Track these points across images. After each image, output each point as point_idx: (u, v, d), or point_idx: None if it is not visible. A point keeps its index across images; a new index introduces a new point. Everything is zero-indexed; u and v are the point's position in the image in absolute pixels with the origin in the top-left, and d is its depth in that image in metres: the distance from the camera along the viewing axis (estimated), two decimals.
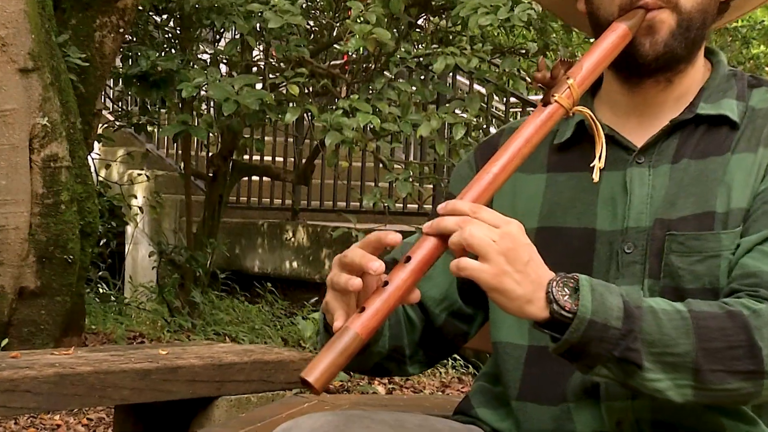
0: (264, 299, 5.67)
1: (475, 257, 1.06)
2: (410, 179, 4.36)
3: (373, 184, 5.65)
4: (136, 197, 5.97)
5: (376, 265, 1.04)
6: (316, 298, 6.00)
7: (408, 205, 6.11)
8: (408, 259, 1.06)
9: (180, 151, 6.05)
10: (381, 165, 4.79)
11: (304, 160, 5.67)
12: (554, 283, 1.08)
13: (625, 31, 1.18)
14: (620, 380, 1.10)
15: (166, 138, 6.64)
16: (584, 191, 1.24)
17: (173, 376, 2.63)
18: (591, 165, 1.17)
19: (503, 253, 1.04)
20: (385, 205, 4.50)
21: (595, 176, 1.15)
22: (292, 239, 5.98)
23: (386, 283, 1.04)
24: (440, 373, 4.35)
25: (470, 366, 4.41)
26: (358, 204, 5.99)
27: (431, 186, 5.81)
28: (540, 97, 1.28)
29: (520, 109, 6.50)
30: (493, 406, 1.30)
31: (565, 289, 1.08)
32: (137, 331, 4.79)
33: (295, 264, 5.95)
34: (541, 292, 1.07)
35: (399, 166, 5.70)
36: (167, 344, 3.43)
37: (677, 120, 1.23)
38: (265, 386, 2.80)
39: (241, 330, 4.84)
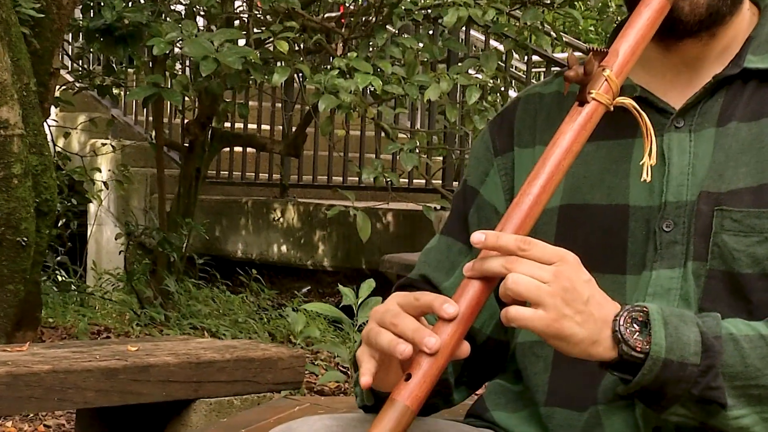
0: (248, 288, 5.68)
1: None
2: (417, 150, 4.35)
3: (373, 156, 5.66)
4: (99, 171, 5.98)
5: (432, 341, 1.05)
6: (308, 288, 6.02)
7: (414, 181, 6.11)
8: None
9: (150, 118, 6.04)
10: (383, 134, 4.78)
11: (294, 129, 5.67)
12: (621, 318, 1.09)
13: (661, 3, 1.18)
14: (699, 420, 1.12)
15: (134, 102, 6.63)
16: (614, 162, 1.23)
17: (144, 376, 2.64)
18: (641, 162, 1.15)
19: (559, 295, 1.06)
20: (388, 180, 4.50)
21: (646, 175, 1.15)
22: (281, 219, 5.99)
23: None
24: None
25: None
26: (357, 179, 5.99)
27: (441, 158, 5.81)
28: (566, 55, 1.27)
29: (544, 69, 6.48)
30: (512, 408, 1.30)
31: (634, 325, 1.09)
32: (102, 324, 4.80)
33: (284, 248, 5.96)
34: (606, 330, 1.08)
35: (404, 135, 5.69)
36: (137, 340, 3.43)
37: (721, 75, 1.22)
38: (250, 387, 2.81)
39: (223, 323, 4.86)
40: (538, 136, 1.30)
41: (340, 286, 3.99)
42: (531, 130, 1.31)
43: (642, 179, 1.15)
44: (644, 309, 1.10)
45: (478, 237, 1.08)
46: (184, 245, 5.24)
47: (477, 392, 1.39)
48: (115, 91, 5.73)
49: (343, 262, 5.74)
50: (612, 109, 1.15)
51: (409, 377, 1.05)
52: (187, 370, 2.71)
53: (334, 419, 1.18)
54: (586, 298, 1.07)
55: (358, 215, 4.29)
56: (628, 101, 1.15)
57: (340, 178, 6.22)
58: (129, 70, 5.50)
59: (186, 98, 5.34)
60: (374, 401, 1.19)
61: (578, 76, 1.13)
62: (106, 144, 6.19)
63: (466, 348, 1.08)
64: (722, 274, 1.18)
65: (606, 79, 1.13)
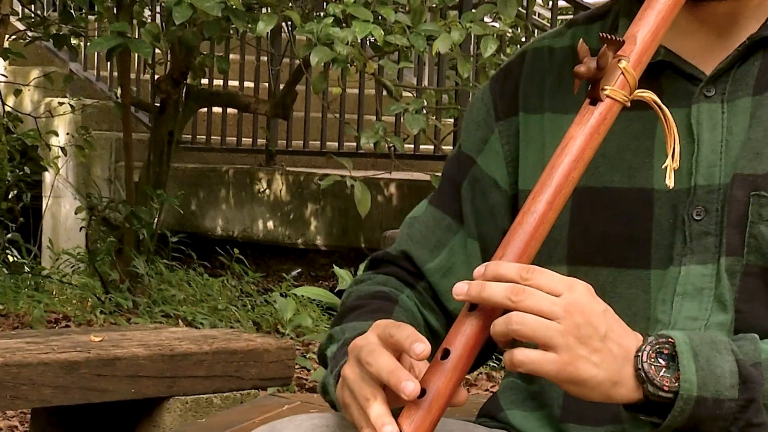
0: (229, 271, 5.70)
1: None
2: (424, 111, 4.36)
3: (374, 117, 5.65)
4: (56, 134, 5.98)
5: (411, 387, 1.04)
6: (299, 270, 6.04)
7: (421, 146, 6.11)
8: (446, 353, 1.07)
9: (115, 73, 6.04)
10: (385, 92, 4.78)
11: (281, 86, 5.67)
12: (644, 354, 1.09)
13: None
14: None
15: (96, 55, 6.62)
16: (636, 137, 1.23)
17: (109, 371, 2.66)
18: (663, 165, 1.14)
19: (571, 333, 1.05)
20: (391, 145, 4.50)
21: (669, 180, 1.13)
22: (267, 191, 6.00)
23: (423, 392, 1.06)
24: None
25: (501, 359, 4.45)
26: (354, 144, 6.00)
27: (451, 120, 5.81)
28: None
29: (572, 15, 6.46)
30: (530, 407, 1.31)
31: (659, 360, 1.09)
32: (60, 312, 4.82)
33: (270, 224, 5.97)
34: (628, 367, 1.08)
35: (409, 94, 5.69)
36: (101, 329, 3.45)
37: (758, 36, 1.22)
38: (232, 384, 2.83)
39: (200, 311, 4.88)
40: (548, 101, 1.29)
41: (336, 268, 4.00)
42: (539, 92, 1.30)
43: (668, 186, 1.13)
44: (670, 340, 1.10)
45: (479, 270, 1.07)
46: (155, 221, 5.26)
47: (494, 391, 1.40)
48: (73, 41, 5.71)
49: (339, 240, 5.76)
50: (629, 104, 1.13)
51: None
52: (159, 363, 2.73)
53: (325, 418, 1.19)
54: (603, 334, 1.07)
55: (355, 186, 4.30)
56: (647, 95, 1.14)
57: (335, 144, 6.22)
58: (90, 17, 5.49)
59: (157, 50, 5.33)
60: None
61: (590, 71, 1.11)
62: (63, 103, 6.18)
63: (462, 397, 1.07)
64: (760, 271, 1.18)
65: (622, 72, 1.12)
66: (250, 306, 5.13)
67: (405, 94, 5.08)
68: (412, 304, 1.31)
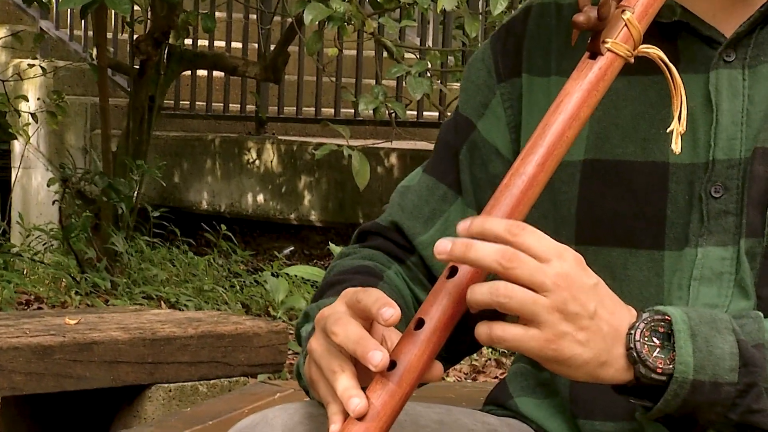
0: (216, 248, 5.71)
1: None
2: (428, 74, 4.35)
3: (373, 81, 5.65)
4: (26, 99, 5.98)
5: (378, 357, 1.04)
6: (292, 248, 6.05)
7: (424, 113, 6.11)
8: (420, 323, 1.06)
9: (91, 33, 6.03)
10: (385, 53, 4.78)
11: (272, 47, 5.66)
12: (637, 332, 1.08)
13: None
14: None
15: (69, 12, 6.61)
16: (651, 106, 1.22)
17: (86, 356, 2.67)
18: (669, 129, 1.13)
19: (557, 309, 1.04)
20: (391, 112, 4.50)
21: (676, 146, 1.13)
22: (257, 162, 6.00)
23: (393, 364, 1.05)
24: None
25: None
26: (352, 111, 5.99)
27: (458, 84, 5.80)
28: None
29: None
30: (541, 394, 1.32)
31: (654, 339, 1.08)
32: (32, 293, 4.83)
33: (260, 198, 5.98)
34: (619, 347, 1.08)
35: (411, 56, 5.68)
36: (77, 311, 3.46)
37: None
38: (219, 370, 2.84)
39: (184, 292, 4.89)
40: (555, 63, 1.28)
41: (331, 246, 4.02)
42: (545, 53, 1.29)
43: (674, 151, 1.13)
44: (666, 317, 1.09)
45: (463, 225, 1.06)
46: (135, 194, 5.26)
47: (500, 376, 1.41)
48: None
49: (335, 215, 5.77)
50: (632, 61, 1.12)
51: (362, 419, 1.04)
52: (140, 348, 2.74)
53: (321, 407, 1.20)
54: (592, 310, 1.06)
55: (353, 156, 4.30)
56: (653, 51, 1.13)
57: (331, 110, 6.22)
58: None
59: (136, 7, 5.32)
60: None
61: (590, 21, 1.10)
62: (33, 65, 6.17)
63: (437, 371, 1.07)
64: None
65: (626, 24, 1.11)
66: (238, 287, 5.14)
67: (407, 55, 5.07)
68: (399, 281, 1.31)
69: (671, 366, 1.08)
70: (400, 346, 1.05)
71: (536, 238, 1.05)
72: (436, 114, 5.86)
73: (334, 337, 1.07)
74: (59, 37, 6.69)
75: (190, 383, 2.79)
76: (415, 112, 5.99)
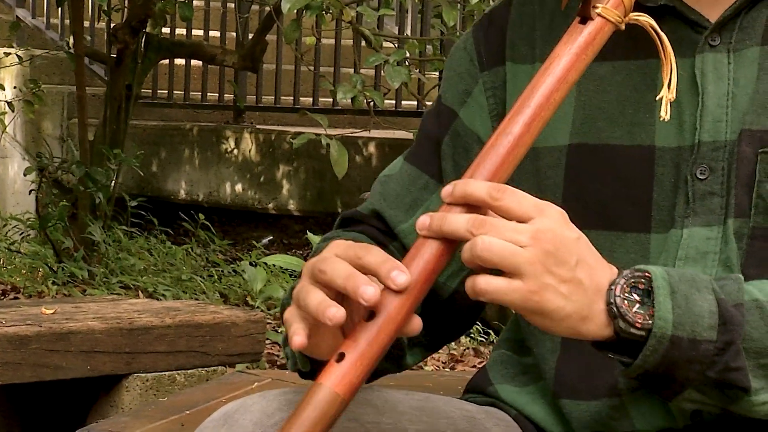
0: (194, 238, 5.70)
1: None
2: (406, 63, 4.35)
3: (351, 70, 5.64)
4: (2, 88, 5.95)
5: (370, 292, 1.04)
6: (270, 237, 6.04)
7: (403, 102, 6.10)
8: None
9: (67, 21, 6.00)
10: (363, 42, 4.77)
11: (250, 35, 5.64)
12: (617, 287, 1.09)
13: None
14: (720, 406, 1.13)
15: (46, 1, 6.57)
16: (637, 90, 1.23)
17: (63, 346, 2.66)
18: (659, 96, 1.14)
19: (539, 261, 1.05)
20: (370, 101, 4.50)
21: (665, 113, 1.13)
22: (235, 151, 5.99)
23: (372, 315, 1.05)
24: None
25: (491, 333, 4.48)
26: (330, 100, 5.98)
27: (436, 73, 5.81)
28: None
29: None
30: (521, 381, 1.33)
31: (634, 294, 1.09)
32: (8, 282, 4.82)
33: (239, 187, 5.97)
34: (600, 302, 1.08)
35: (390, 44, 5.67)
36: (53, 301, 3.45)
37: None
38: (197, 360, 2.84)
39: (162, 281, 4.88)
40: (539, 50, 1.29)
41: (310, 235, 4.01)
42: (529, 40, 1.30)
43: (661, 118, 1.14)
44: (647, 274, 1.10)
45: (446, 189, 1.07)
46: (112, 183, 5.24)
47: (478, 365, 1.41)
48: None
49: (314, 204, 5.76)
50: (623, 27, 1.13)
51: (341, 357, 1.04)
52: (117, 337, 2.73)
53: (298, 393, 1.19)
54: (574, 263, 1.06)
55: (332, 145, 4.30)
56: (643, 18, 1.14)
57: (310, 99, 6.21)
58: None
59: None
60: (311, 367, 1.20)
61: None
62: (9, 54, 6.15)
63: (415, 325, 1.07)
64: (767, 233, 1.19)
65: None
66: (216, 276, 5.14)
67: (385, 44, 5.06)
68: None
69: (650, 321, 1.09)
70: (380, 298, 1.05)
71: (517, 199, 1.06)
72: (415, 103, 5.86)
73: (322, 275, 1.07)
74: (36, 26, 6.66)
75: (167, 373, 2.79)
76: (393, 101, 5.99)
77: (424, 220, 1.07)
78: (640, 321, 1.08)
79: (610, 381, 1.22)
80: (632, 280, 1.09)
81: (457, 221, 1.05)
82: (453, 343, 4.44)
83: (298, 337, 1.06)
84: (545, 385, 1.29)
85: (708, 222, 1.20)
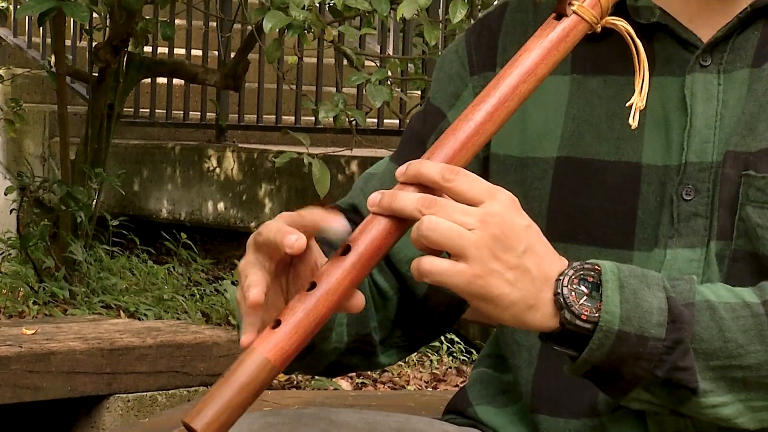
0: (176, 257, 5.68)
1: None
2: (388, 82, 4.36)
3: (333, 89, 5.65)
4: None
5: (293, 239, 1.03)
6: None
7: (385, 120, 6.11)
8: (347, 249, 1.06)
9: (49, 40, 5.99)
10: (345, 61, 4.78)
11: (232, 55, 5.64)
12: (565, 278, 1.08)
13: None
14: (669, 407, 1.12)
15: (27, 20, 6.57)
16: (626, 106, 1.22)
17: (43, 367, 2.65)
18: (629, 102, 1.14)
19: (486, 245, 1.04)
20: (352, 119, 4.50)
21: (633, 120, 1.13)
22: (217, 170, 5.99)
23: (313, 285, 1.05)
24: (430, 361, 4.42)
25: (474, 351, 4.48)
26: (312, 119, 5.99)
27: (418, 92, 5.82)
28: None
29: None
30: (501, 402, 1.32)
31: (582, 287, 1.08)
32: None
33: (221, 206, 5.96)
34: (547, 291, 1.08)
35: (372, 63, 5.68)
36: (34, 321, 3.44)
37: (760, 4, 1.22)
38: (178, 380, 2.83)
39: (143, 301, 4.87)
40: None
41: None
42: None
43: (631, 126, 1.13)
44: (596, 267, 1.09)
45: (400, 169, 1.07)
46: (94, 202, 5.23)
47: (460, 384, 1.41)
48: (1, 4, 5.66)
49: None
50: (599, 30, 1.13)
51: (277, 324, 1.04)
52: (98, 358, 2.72)
53: (280, 416, 1.19)
54: (521, 250, 1.06)
55: (314, 164, 4.30)
56: (620, 24, 1.14)
57: (292, 118, 6.21)
58: None
59: (94, 14, 5.29)
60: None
61: None
62: None
63: (358, 301, 1.06)
64: (747, 256, 1.18)
65: None
66: (198, 295, 5.13)
67: (367, 63, 5.07)
68: None
69: (597, 315, 1.08)
70: (323, 270, 1.05)
71: (469, 182, 1.06)
72: (397, 122, 5.87)
73: (258, 237, 1.07)
74: (17, 45, 6.65)
75: (148, 393, 2.78)
76: (375, 120, 6.00)
77: (374, 197, 1.06)
78: (586, 313, 1.07)
79: (589, 399, 1.22)
80: (581, 273, 1.09)
81: (406, 199, 1.05)
82: (435, 362, 4.44)
83: (255, 290, 1.05)
84: (524, 405, 1.29)
85: (692, 243, 1.20)
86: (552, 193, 1.25)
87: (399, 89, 4.89)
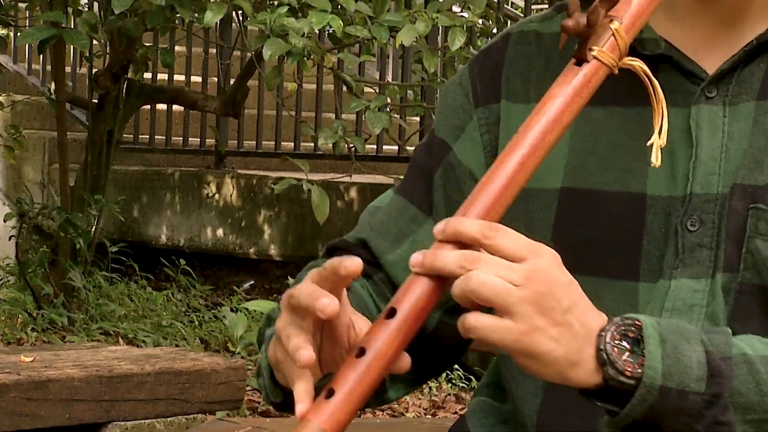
0: (175, 283, 5.68)
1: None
2: (387, 108, 4.36)
3: (332, 116, 5.66)
4: None
5: (326, 302, 1.03)
6: (251, 282, 6.02)
7: (384, 147, 6.11)
8: (392, 312, 1.06)
9: (49, 67, 6.00)
10: (344, 88, 4.79)
11: (232, 81, 5.66)
12: (608, 334, 1.08)
13: None
14: None
15: (27, 47, 6.58)
16: (631, 137, 1.23)
17: (41, 394, 2.64)
18: (649, 142, 1.14)
19: (532, 302, 1.04)
20: (351, 146, 4.51)
21: (656, 160, 1.14)
22: (216, 196, 5.99)
23: (362, 351, 1.05)
24: (429, 388, 4.41)
25: (473, 378, 4.47)
26: (312, 145, 5.99)
27: (417, 118, 5.83)
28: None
29: (547, 5, 6.51)
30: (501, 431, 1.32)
31: (624, 343, 1.09)
32: None
33: (220, 232, 5.96)
34: (589, 348, 1.08)
35: (371, 90, 5.69)
36: (32, 348, 3.43)
37: (766, 37, 1.22)
38: (177, 407, 2.82)
39: (142, 327, 4.86)
40: (534, 91, 1.29)
41: (291, 280, 4.00)
42: (524, 80, 1.30)
43: (652, 164, 1.14)
44: (637, 323, 1.09)
45: (438, 226, 1.06)
46: (93, 229, 5.23)
47: (459, 412, 1.40)
48: (1, 31, 5.67)
49: (295, 249, 5.75)
50: (617, 72, 1.14)
51: (331, 393, 1.04)
52: (97, 385, 2.72)
53: None
54: (565, 307, 1.06)
55: (313, 190, 4.30)
56: (637, 64, 1.15)
57: (291, 144, 6.22)
58: (20, 4, 5.46)
59: (94, 42, 5.31)
60: (282, 398, 1.19)
61: (579, 27, 1.11)
62: None
63: (405, 362, 1.06)
64: (755, 289, 1.19)
65: (613, 34, 1.12)
66: (197, 322, 5.12)
67: (366, 90, 5.08)
68: (365, 293, 1.30)
69: (640, 371, 1.08)
70: (370, 334, 1.05)
71: (510, 239, 1.06)
72: (396, 148, 5.87)
73: (292, 300, 1.06)
74: (17, 71, 6.67)
75: (147, 421, 2.77)
76: (374, 146, 6.00)
77: (416, 257, 1.06)
78: (630, 369, 1.08)
79: (592, 427, 1.20)
80: (623, 328, 1.09)
81: (448, 257, 1.04)
82: (434, 389, 4.42)
83: (305, 352, 1.04)
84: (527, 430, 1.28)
85: (696, 274, 1.20)
86: (556, 224, 1.25)
87: (398, 116, 4.90)
